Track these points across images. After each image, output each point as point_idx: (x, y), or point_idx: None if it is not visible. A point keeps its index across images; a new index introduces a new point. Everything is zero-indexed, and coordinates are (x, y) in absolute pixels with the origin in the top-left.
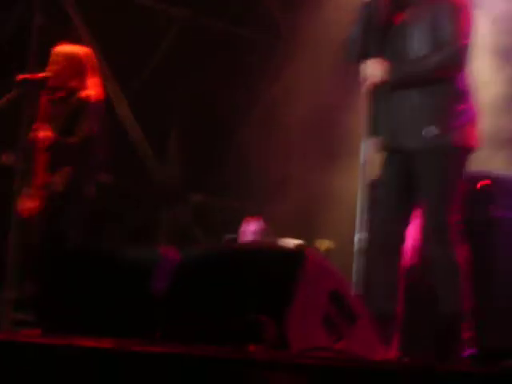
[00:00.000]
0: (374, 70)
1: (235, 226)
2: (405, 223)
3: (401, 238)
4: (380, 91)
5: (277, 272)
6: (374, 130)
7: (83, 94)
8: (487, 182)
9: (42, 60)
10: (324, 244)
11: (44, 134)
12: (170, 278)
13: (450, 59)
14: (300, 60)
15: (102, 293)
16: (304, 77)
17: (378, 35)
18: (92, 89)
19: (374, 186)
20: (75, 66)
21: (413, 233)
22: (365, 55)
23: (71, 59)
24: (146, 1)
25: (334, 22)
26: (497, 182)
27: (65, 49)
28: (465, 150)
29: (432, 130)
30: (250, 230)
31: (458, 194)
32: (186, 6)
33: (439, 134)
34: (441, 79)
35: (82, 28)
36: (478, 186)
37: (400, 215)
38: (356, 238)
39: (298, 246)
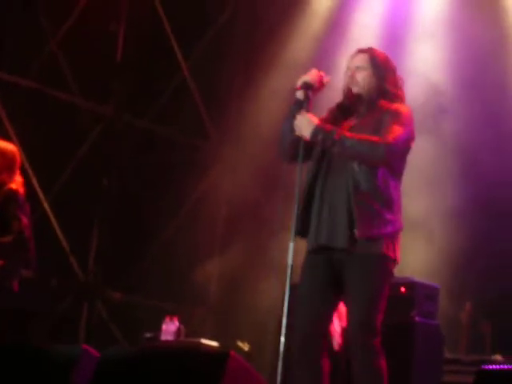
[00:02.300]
0: (305, 123)
1: (153, 325)
2: (328, 321)
3: (323, 339)
4: (311, 191)
5: (200, 372)
6: (302, 230)
7: (11, 186)
8: (407, 288)
9: None
10: (244, 346)
11: None
12: (91, 376)
13: (375, 150)
14: (226, 159)
15: None
16: (229, 176)
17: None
18: (17, 184)
19: (296, 289)
20: (7, 162)
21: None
22: (295, 151)
23: (4, 155)
24: (72, 97)
25: (261, 121)
26: (416, 289)
27: None
28: (391, 260)
29: (355, 234)
30: (170, 329)
31: (383, 301)
32: (112, 103)
33: (368, 241)
34: (375, 185)
35: (7, 123)
36: (400, 291)
37: (323, 314)
38: (281, 340)
39: (220, 347)
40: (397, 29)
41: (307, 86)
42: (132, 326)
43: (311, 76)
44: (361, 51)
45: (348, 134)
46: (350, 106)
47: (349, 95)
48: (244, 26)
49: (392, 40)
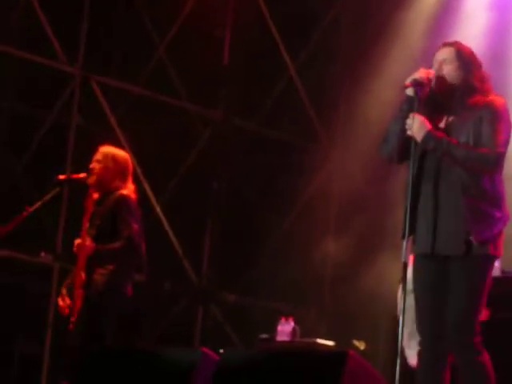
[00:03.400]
0: (418, 127)
1: (267, 326)
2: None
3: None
4: (416, 191)
5: (319, 372)
6: (410, 231)
7: (123, 191)
8: None
9: (79, 159)
10: (361, 345)
11: (86, 244)
12: (210, 379)
13: (485, 161)
14: (336, 161)
15: None
16: (340, 177)
17: None
18: (129, 191)
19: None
20: (120, 168)
21: None
22: (402, 152)
23: (117, 161)
24: (181, 103)
25: (371, 120)
26: None
27: (111, 150)
28: (494, 259)
29: (472, 240)
30: (286, 330)
31: (483, 300)
32: (220, 107)
33: (477, 244)
34: (484, 187)
35: (118, 129)
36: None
37: (437, 317)
38: (399, 339)
39: (337, 347)
40: (505, 17)
41: (417, 84)
42: (246, 328)
43: (420, 74)
44: (447, 44)
45: (456, 143)
46: (439, 99)
47: (437, 87)
48: (351, 24)
49: (499, 29)
